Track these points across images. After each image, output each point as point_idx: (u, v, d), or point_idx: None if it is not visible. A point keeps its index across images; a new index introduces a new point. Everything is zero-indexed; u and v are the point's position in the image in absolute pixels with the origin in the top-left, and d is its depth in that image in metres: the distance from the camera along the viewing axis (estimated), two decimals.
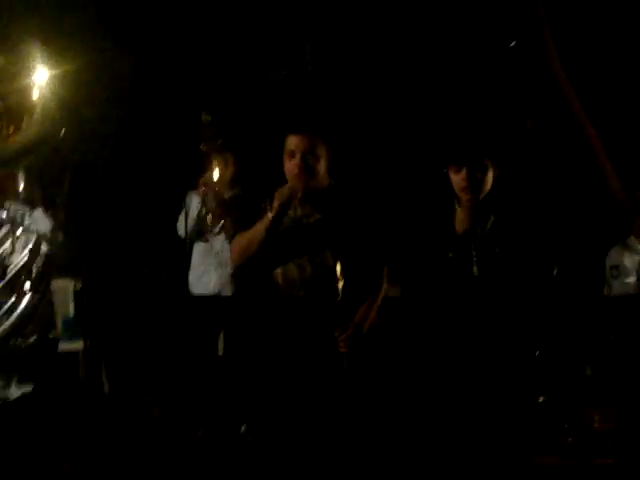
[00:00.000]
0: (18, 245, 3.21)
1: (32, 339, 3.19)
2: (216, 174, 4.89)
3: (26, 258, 3.17)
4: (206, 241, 4.96)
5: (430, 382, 3.31)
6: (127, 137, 5.29)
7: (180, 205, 5.07)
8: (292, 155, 3.30)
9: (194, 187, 4.97)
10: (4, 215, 3.14)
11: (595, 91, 6.24)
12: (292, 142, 3.31)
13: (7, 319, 3.13)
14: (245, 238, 3.36)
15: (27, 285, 3.19)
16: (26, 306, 3.17)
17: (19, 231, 3.16)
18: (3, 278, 3.14)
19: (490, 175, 3.23)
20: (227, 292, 5.00)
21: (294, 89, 5.18)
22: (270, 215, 3.23)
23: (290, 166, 3.31)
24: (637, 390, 4.35)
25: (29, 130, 3.06)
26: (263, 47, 5.13)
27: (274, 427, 3.34)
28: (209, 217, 4.93)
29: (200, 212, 4.90)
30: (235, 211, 5.00)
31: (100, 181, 5.71)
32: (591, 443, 4.29)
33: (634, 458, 4.06)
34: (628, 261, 5.18)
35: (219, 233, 4.97)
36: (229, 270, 4.95)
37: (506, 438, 3.24)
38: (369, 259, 3.37)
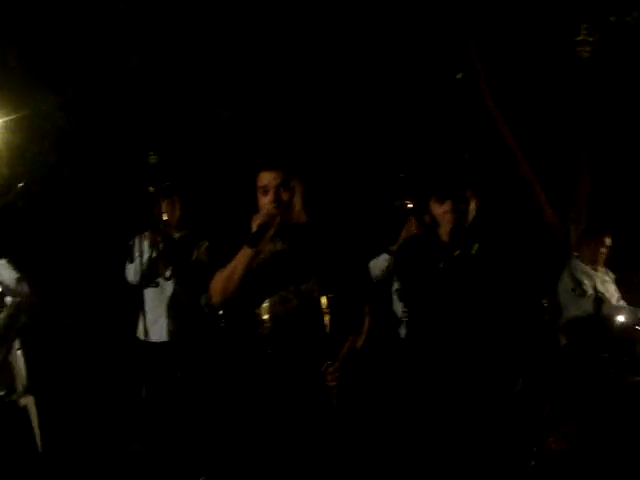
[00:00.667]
0: None
1: None
2: (165, 217, 4.79)
3: None
4: (156, 286, 4.80)
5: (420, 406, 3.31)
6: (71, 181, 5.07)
7: (125, 251, 4.88)
8: (266, 191, 3.22)
9: (140, 231, 4.84)
10: None
11: (527, 122, 6.43)
12: (265, 178, 3.22)
13: None
14: (225, 273, 3.20)
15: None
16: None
17: None
18: None
19: (472, 205, 3.36)
20: (179, 338, 4.74)
21: (239, 129, 5.07)
22: (248, 247, 3.10)
23: (264, 201, 3.22)
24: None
25: None
26: (209, 88, 5.01)
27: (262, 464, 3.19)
28: (160, 261, 4.85)
29: (150, 256, 4.80)
30: (185, 254, 4.95)
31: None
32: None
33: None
34: (586, 282, 5.27)
35: (170, 278, 4.90)
36: (182, 316, 4.84)
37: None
38: (351, 293, 3.27)
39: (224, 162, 5.37)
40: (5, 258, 3.10)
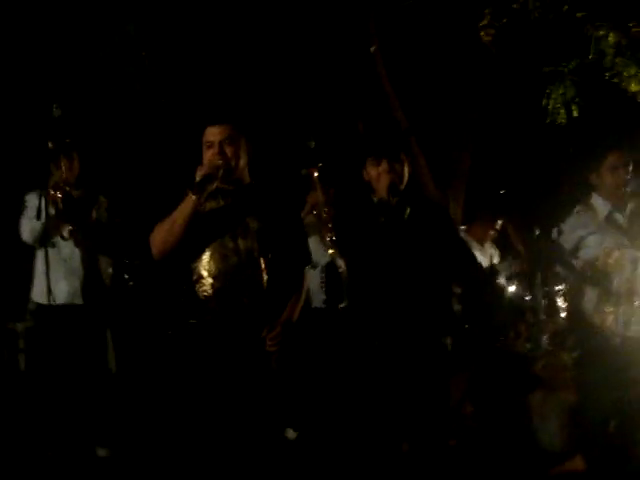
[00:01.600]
0: None
1: None
2: (64, 174, 4.62)
3: None
4: (53, 246, 4.63)
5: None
6: None
7: (20, 207, 4.67)
8: (210, 145, 3.19)
9: (34, 188, 4.66)
10: None
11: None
12: (210, 133, 3.21)
13: None
14: (166, 224, 3.14)
15: None
16: None
17: None
18: None
19: (406, 168, 3.48)
20: (79, 301, 4.63)
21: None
22: (192, 195, 3.07)
23: (209, 155, 3.19)
24: None
25: None
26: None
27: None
28: (58, 220, 4.69)
29: (48, 214, 4.61)
30: (84, 213, 4.80)
31: None
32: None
33: None
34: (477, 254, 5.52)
35: (68, 238, 4.75)
36: (79, 278, 4.71)
37: None
38: (290, 256, 3.29)
39: (127, 120, 5.24)
40: None
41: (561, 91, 5.80)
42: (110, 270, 4.90)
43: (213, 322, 3.16)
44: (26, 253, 4.76)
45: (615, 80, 5.70)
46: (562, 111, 5.86)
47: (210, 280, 3.17)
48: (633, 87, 5.73)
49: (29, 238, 4.61)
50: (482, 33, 5.45)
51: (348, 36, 6.08)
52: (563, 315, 4.87)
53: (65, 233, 4.64)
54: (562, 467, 4.23)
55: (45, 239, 4.53)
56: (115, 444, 4.68)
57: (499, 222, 5.57)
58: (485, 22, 5.42)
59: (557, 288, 4.94)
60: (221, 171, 3.14)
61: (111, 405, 4.78)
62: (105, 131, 5.08)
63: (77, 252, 4.69)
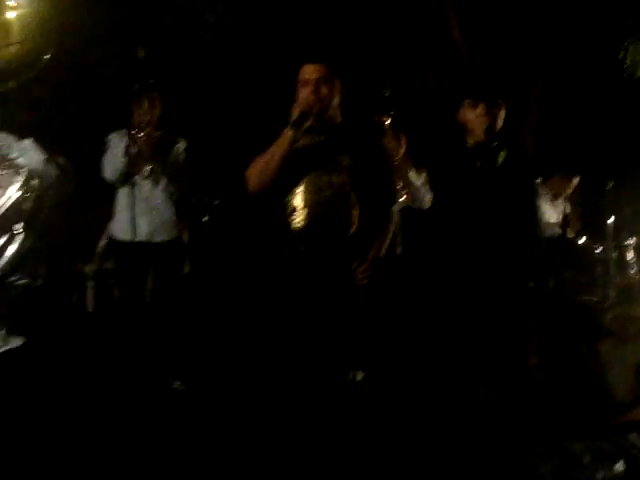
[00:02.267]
0: (5, 181, 2.90)
1: (20, 285, 2.94)
2: (146, 114, 4.72)
3: (16, 196, 2.89)
4: (133, 185, 4.76)
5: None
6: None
7: (101, 147, 4.79)
8: (306, 83, 3.29)
9: (116, 128, 4.77)
10: None
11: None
12: (307, 71, 3.31)
13: None
14: (264, 158, 3.27)
15: (18, 226, 2.91)
16: (17, 249, 2.90)
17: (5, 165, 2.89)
18: None
19: (502, 112, 3.57)
20: (158, 238, 4.79)
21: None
22: (290, 131, 3.19)
23: (304, 92, 3.28)
24: None
25: (5, 51, 2.81)
26: None
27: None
28: (139, 159, 4.81)
29: (130, 154, 4.74)
30: (163, 153, 4.92)
31: None
32: None
33: None
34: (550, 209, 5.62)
35: (148, 177, 4.87)
36: (159, 215, 4.83)
37: None
38: (378, 195, 3.40)
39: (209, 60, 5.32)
40: (29, 138, 2.99)
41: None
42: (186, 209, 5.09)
43: (306, 252, 3.29)
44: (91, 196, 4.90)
45: None
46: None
47: (304, 212, 3.30)
48: None
49: (111, 176, 4.76)
50: None
51: None
52: (633, 269, 4.93)
53: (146, 172, 4.87)
54: (625, 417, 4.34)
55: (127, 177, 4.76)
56: (191, 377, 4.92)
57: (575, 180, 5.64)
58: None
59: (627, 242, 4.98)
60: (316, 108, 3.23)
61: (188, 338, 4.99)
62: (187, 72, 5.14)
63: (157, 190, 4.85)
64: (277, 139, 3.25)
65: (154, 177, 4.77)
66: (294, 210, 3.31)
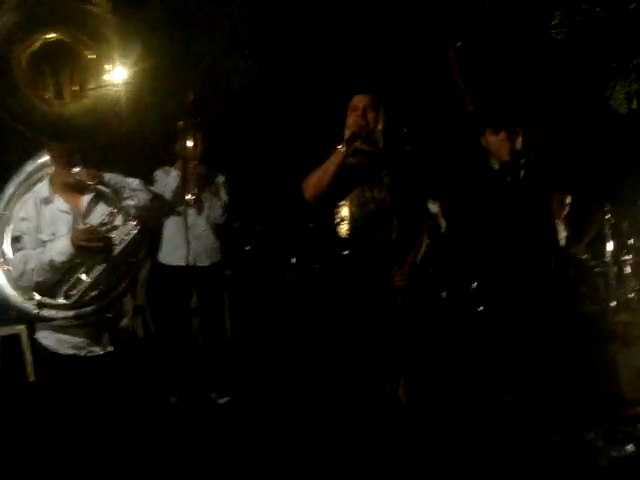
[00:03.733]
0: (118, 219, 3.22)
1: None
2: (196, 149, 5.23)
3: (133, 233, 3.17)
4: (179, 215, 5.25)
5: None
6: None
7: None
8: (355, 109, 3.83)
9: (162, 164, 5.27)
10: (106, 189, 3.20)
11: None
12: (357, 99, 3.86)
13: (115, 289, 3.20)
14: (319, 172, 3.79)
15: (134, 258, 3.25)
16: (132, 276, 3.28)
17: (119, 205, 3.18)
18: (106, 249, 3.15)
19: (520, 138, 4.03)
20: (203, 263, 5.29)
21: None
22: (342, 148, 3.71)
23: (353, 117, 3.83)
24: None
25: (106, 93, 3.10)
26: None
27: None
28: (187, 191, 5.29)
29: (178, 186, 5.23)
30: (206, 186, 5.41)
31: None
32: None
33: None
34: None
35: (193, 207, 5.36)
36: (203, 242, 5.33)
37: None
38: (415, 211, 3.96)
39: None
40: (137, 179, 3.33)
41: (625, 84, 6.35)
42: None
43: (352, 256, 3.82)
44: None
45: None
46: (624, 102, 6.42)
47: (351, 222, 3.83)
48: None
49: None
50: (554, 32, 6.03)
51: (428, 37, 6.69)
52: (631, 282, 5.43)
53: (191, 203, 5.36)
54: (629, 411, 4.81)
55: (173, 208, 5.25)
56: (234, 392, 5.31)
57: (568, 199, 6.10)
58: (556, 21, 6.01)
59: (625, 258, 5.50)
60: (364, 131, 3.77)
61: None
62: (231, 113, 5.68)
63: (199, 220, 5.35)
64: (330, 156, 3.78)
65: (198, 207, 5.31)
66: (342, 219, 3.85)
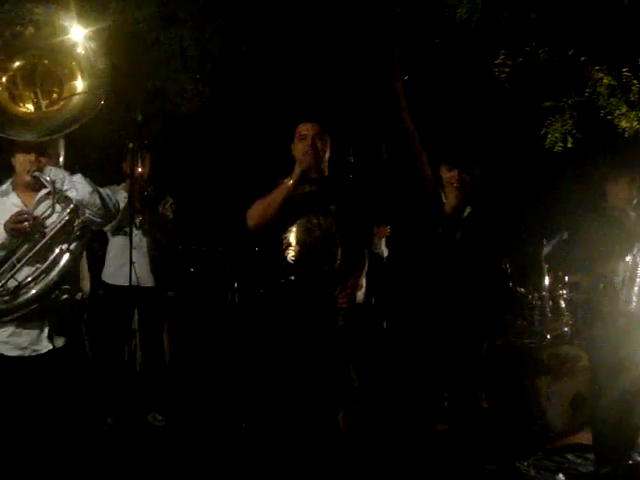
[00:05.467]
0: (57, 207, 3.46)
1: (65, 296, 3.41)
2: (144, 170, 5.24)
3: (66, 219, 3.41)
4: (125, 234, 5.22)
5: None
6: None
7: None
8: (304, 138, 3.91)
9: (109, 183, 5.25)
10: (47, 178, 3.35)
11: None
12: (305, 127, 3.94)
13: (47, 275, 3.33)
14: (265, 201, 3.86)
15: (65, 246, 3.44)
16: (64, 265, 3.38)
17: (58, 194, 3.40)
18: (43, 238, 3.36)
19: (473, 177, 4.12)
20: (147, 283, 5.27)
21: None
22: (290, 181, 3.78)
23: (302, 146, 3.90)
24: None
25: (76, 99, 3.30)
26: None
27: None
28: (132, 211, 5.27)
29: (124, 206, 5.19)
30: (153, 207, 5.41)
31: None
32: None
33: None
34: None
35: (140, 227, 5.34)
36: (146, 263, 5.32)
37: None
38: (358, 237, 4.04)
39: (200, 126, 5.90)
40: (78, 173, 3.46)
41: (560, 124, 6.58)
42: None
43: (296, 282, 3.87)
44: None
45: (608, 117, 6.49)
46: (560, 141, 6.65)
47: (297, 248, 3.90)
48: (623, 124, 6.49)
49: (108, 226, 5.22)
50: (497, 70, 6.22)
51: (376, 70, 6.81)
52: (565, 316, 5.61)
53: (137, 223, 5.34)
54: (563, 441, 4.95)
55: (120, 227, 5.24)
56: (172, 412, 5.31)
57: None
58: (500, 61, 6.20)
59: (561, 292, 5.68)
60: (313, 162, 3.85)
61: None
62: (178, 135, 5.70)
63: (145, 240, 5.36)
64: (278, 187, 3.85)
65: (144, 227, 5.31)
66: (289, 245, 3.91)
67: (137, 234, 5.24)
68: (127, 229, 5.19)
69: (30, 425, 3.38)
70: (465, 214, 4.11)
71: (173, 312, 5.56)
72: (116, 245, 5.31)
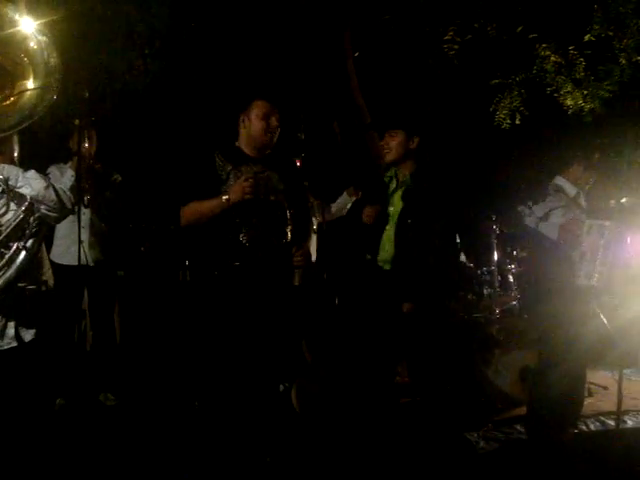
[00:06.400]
0: (12, 205, 3.41)
1: (29, 290, 3.38)
2: (91, 148, 5.14)
3: (21, 217, 3.37)
4: (74, 213, 5.12)
5: None
6: None
7: None
8: (264, 117, 3.88)
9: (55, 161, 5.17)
10: (0, 176, 3.30)
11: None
12: (264, 106, 3.90)
13: (5, 273, 3.31)
14: (199, 210, 3.88)
15: (21, 243, 3.40)
16: (21, 262, 3.34)
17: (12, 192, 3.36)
18: None
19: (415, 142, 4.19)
20: (92, 263, 5.22)
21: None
22: (228, 199, 3.78)
23: (258, 126, 3.88)
24: None
25: (29, 94, 3.21)
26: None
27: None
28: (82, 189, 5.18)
29: (72, 184, 5.11)
30: (101, 185, 5.33)
31: None
32: None
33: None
34: None
35: (88, 205, 5.25)
36: (97, 242, 5.27)
37: None
38: (303, 212, 4.08)
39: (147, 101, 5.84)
40: (32, 169, 3.47)
41: (508, 101, 6.66)
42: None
43: (250, 263, 3.86)
44: None
45: (555, 95, 6.60)
46: (507, 118, 6.74)
47: (248, 229, 3.86)
48: (568, 101, 6.63)
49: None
50: (446, 47, 6.27)
51: (327, 48, 6.82)
52: (513, 290, 5.70)
53: (85, 201, 5.26)
54: (512, 412, 5.05)
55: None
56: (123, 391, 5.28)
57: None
58: (449, 37, 6.24)
59: (509, 267, 5.77)
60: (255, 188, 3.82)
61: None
62: (125, 111, 5.62)
63: (93, 219, 5.29)
64: (215, 199, 3.82)
65: (92, 205, 5.22)
66: (240, 227, 3.87)
67: (85, 212, 5.17)
68: (74, 208, 5.19)
69: None
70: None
71: (123, 291, 5.49)
72: (64, 224, 5.16)
